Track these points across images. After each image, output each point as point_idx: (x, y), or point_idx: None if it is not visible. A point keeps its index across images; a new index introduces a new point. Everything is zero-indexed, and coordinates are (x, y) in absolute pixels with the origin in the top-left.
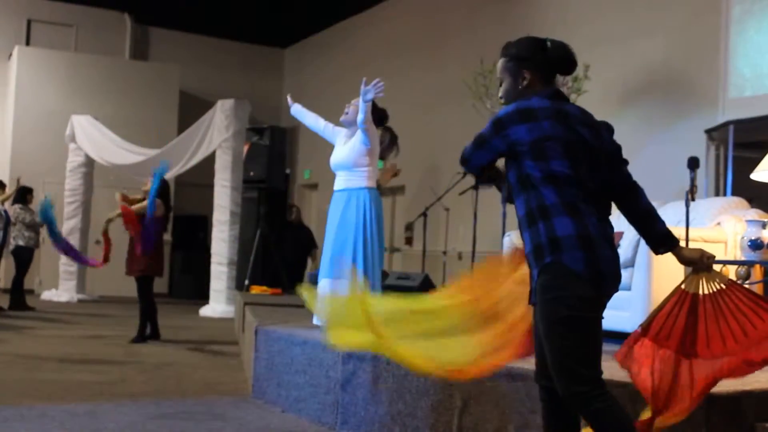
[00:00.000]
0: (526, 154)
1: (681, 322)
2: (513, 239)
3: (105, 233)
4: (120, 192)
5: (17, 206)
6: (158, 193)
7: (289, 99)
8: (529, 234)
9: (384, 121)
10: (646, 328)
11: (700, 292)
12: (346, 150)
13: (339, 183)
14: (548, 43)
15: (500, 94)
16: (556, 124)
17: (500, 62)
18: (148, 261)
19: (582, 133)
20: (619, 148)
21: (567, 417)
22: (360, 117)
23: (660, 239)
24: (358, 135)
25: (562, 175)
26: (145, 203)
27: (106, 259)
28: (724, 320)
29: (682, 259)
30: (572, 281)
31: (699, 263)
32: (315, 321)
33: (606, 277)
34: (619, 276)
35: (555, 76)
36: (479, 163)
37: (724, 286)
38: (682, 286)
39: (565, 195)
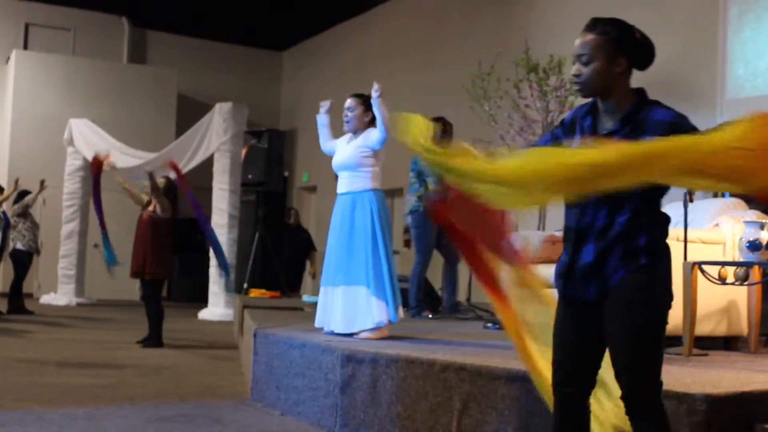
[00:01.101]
0: None
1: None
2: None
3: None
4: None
5: (16, 207)
6: (166, 194)
7: (326, 105)
8: (621, 239)
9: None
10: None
11: None
12: (350, 149)
13: (342, 185)
14: (638, 34)
15: (576, 72)
16: None
17: (591, 39)
18: (153, 264)
19: None
20: None
21: (582, 423)
22: (380, 135)
23: None
24: (366, 134)
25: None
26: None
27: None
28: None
29: None
30: (662, 284)
31: None
32: (317, 324)
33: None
34: None
35: (632, 71)
36: None
37: None
38: None
39: (659, 202)
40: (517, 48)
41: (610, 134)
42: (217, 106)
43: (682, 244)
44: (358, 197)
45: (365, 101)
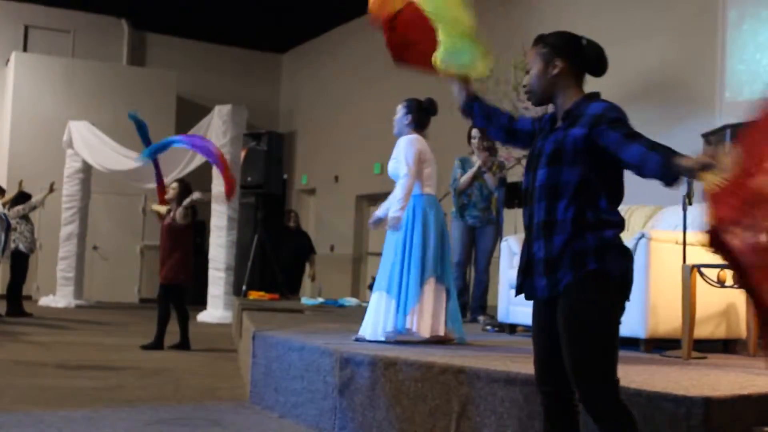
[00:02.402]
0: (608, 159)
1: None
2: (510, 243)
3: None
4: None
5: (21, 208)
6: (180, 198)
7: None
8: (568, 238)
9: (429, 114)
10: None
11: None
12: (392, 163)
13: None
14: (584, 41)
15: (524, 82)
16: None
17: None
18: (171, 269)
19: None
20: None
21: (568, 423)
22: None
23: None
24: (398, 144)
25: (615, 183)
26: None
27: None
28: None
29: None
30: (611, 286)
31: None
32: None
33: (630, 285)
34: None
35: (585, 75)
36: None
37: None
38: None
39: (614, 205)
40: (516, 51)
41: (556, 131)
42: (217, 109)
43: (681, 247)
44: (410, 201)
45: (407, 104)
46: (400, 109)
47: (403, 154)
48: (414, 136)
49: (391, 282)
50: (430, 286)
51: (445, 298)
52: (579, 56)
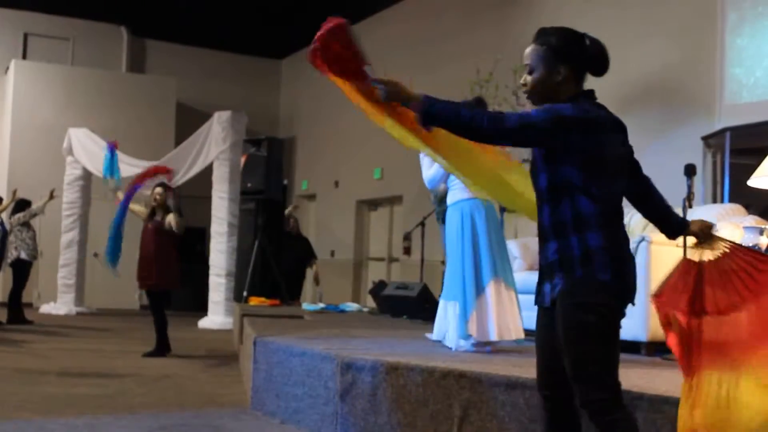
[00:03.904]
0: (572, 161)
1: (689, 288)
2: (510, 248)
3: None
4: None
5: (21, 216)
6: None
7: None
8: (557, 244)
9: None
10: (657, 296)
11: (705, 258)
12: (425, 170)
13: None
14: (586, 40)
15: (524, 82)
16: (611, 136)
17: (532, 49)
18: (161, 274)
19: (624, 142)
20: (632, 150)
21: (569, 428)
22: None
23: (679, 227)
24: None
25: (602, 186)
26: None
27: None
28: (728, 279)
29: (690, 234)
30: (601, 290)
31: (700, 234)
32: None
33: (630, 288)
34: (636, 287)
35: (586, 75)
36: (507, 143)
37: (727, 250)
38: (689, 256)
39: (600, 206)
40: (515, 54)
41: None
42: (216, 115)
43: (681, 249)
44: (456, 207)
45: None
46: None
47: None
48: None
49: (454, 290)
50: (490, 289)
51: (513, 299)
52: (582, 58)
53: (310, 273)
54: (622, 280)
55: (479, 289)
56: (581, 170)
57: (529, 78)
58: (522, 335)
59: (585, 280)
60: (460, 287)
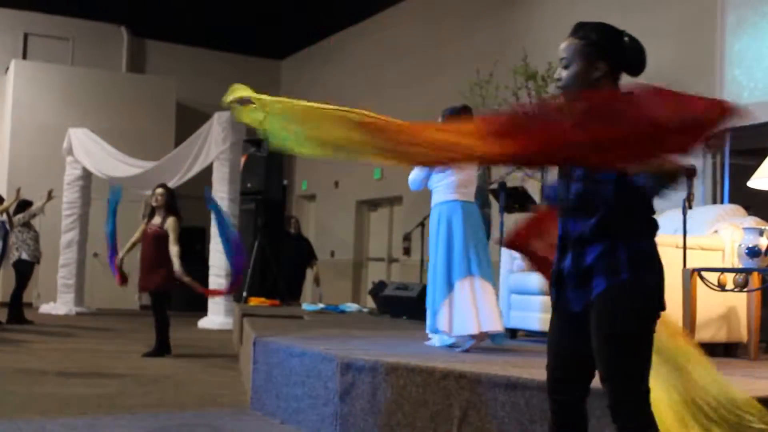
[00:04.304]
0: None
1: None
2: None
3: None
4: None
5: (21, 216)
6: (170, 205)
7: None
8: (601, 248)
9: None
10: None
11: None
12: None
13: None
14: (626, 38)
15: (558, 77)
16: None
17: (570, 43)
18: (162, 276)
19: None
20: None
21: (578, 429)
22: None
23: None
24: None
25: (650, 190)
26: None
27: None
28: None
29: None
30: (646, 295)
31: None
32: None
33: (663, 294)
34: None
35: (621, 75)
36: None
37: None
38: None
39: (646, 212)
40: (515, 56)
41: None
42: (216, 115)
43: (681, 251)
44: (435, 209)
45: (442, 113)
46: (439, 119)
47: None
48: None
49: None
50: (462, 285)
51: (489, 294)
52: (620, 56)
53: (310, 273)
54: (661, 286)
55: (450, 287)
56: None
57: (564, 73)
58: (500, 328)
59: (632, 284)
60: (431, 285)
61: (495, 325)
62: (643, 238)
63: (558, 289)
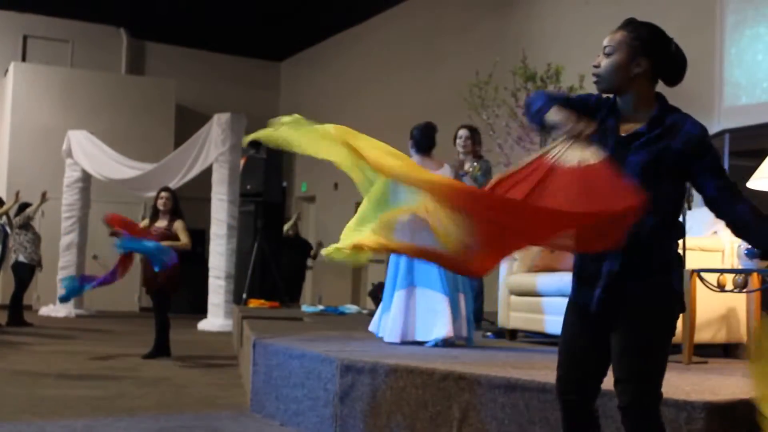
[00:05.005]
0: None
1: (526, 187)
2: None
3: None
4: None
5: (17, 219)
6: (175, 210)
7: None
8: (633, 252)
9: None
10: (492, 187)
11: (563, 161)
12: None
13: None
14: (673, 46)
15: (597, 63)
16: None
17: (619, 34)
18: (167, 278)
19: None
20: None
21: (589, 428)
22: None
23: None
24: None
25: (681, 197)
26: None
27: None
28: (571, 191)
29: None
30: (674, 299)
31: (564, 127)
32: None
33: (683, 296)
34: None
35: (658, 80)
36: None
37: (592, 162)
38: (544, 153)
39: (676, 216)
40: (514, 57)
41: (636, 135)
42: (216, 117)
43: (681, 252)
44: None
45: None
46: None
47: None
48: (416, 158)
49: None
50: (398, 296)
51: (429, 304)
52: (664, 59)
53: (309, 275)
54: (682, 289)
55: (391, 296)
56: (683, 182)
57: (605, 60)
58: (440, 335)
59: (662, 288)
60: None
61: (426, 335)
62: (673, 243)
63: (580, 284)
